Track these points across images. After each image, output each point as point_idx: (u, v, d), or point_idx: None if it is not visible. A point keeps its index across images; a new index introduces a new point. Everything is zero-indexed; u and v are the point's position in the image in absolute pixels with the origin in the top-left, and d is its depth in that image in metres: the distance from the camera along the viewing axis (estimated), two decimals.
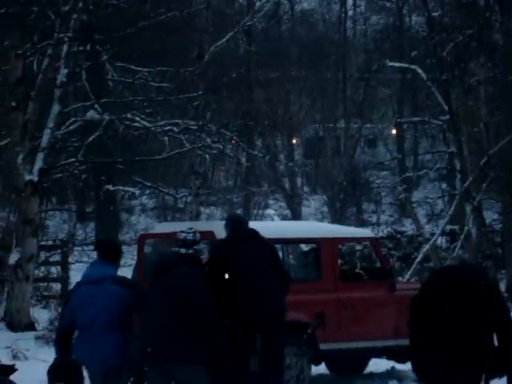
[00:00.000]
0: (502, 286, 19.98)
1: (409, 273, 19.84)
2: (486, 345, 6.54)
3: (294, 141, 34.77)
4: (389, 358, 11.09)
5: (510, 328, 6.54)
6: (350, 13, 35.93)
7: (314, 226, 12.60)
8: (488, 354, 6.52)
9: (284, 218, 28.17)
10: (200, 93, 19.88)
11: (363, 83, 33.65)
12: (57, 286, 17.45)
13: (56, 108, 15.29)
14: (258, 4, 26.43)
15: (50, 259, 18.07)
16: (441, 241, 22.79)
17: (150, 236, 11.63)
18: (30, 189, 14.93)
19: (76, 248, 21.27)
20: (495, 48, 21.17)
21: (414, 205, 25.96)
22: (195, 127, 18.68)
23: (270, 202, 32.00)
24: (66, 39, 15.28)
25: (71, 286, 17.01)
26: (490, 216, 23.69)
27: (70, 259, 18.00)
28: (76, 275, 17.97)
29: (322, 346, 10.16)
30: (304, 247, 13.07)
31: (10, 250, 15.16)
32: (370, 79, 32.93)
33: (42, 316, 15.27)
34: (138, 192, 23.60)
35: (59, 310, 15.31)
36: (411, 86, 30.22)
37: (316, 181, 34.68)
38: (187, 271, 7.53)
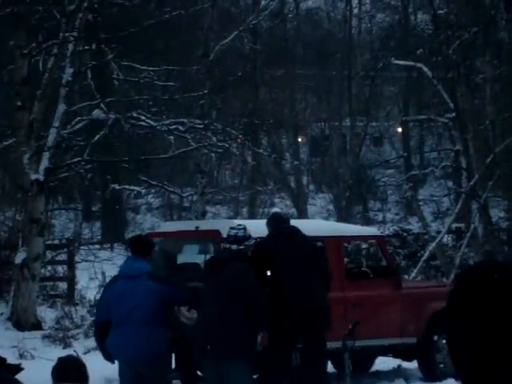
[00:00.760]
0: None
1: (415, 271, 19.82)
2: None
3: (300, 139, 34.75)
4: (395, 356, 11.09)
5: None
6: (356, 11, 35.88)
7: (319, 225, 12.60)
8: None
9: (290, 216, 28.13)
10: (205, 91, 19.88)
11: (369, 81, 33.59)
12: (63, 286, 17.46)
13: (62, 107, 15.29)
14: (263, 2, 26.39)
15: (56, 258, 18.09)
16: (447, 239, 22.74)
17: (155, 235, 11.64)
18: (36, 188, 14.94)
19: (82, 247, 21.28)
20: (501, 46, 21.14)
21: (420, 203, 25.93)
22: (201, 126, 18.67)
23: (276, 200, 31.98)
24: (72, 38, 15.28)
25: (78, 285, 17.05)
26: (496, 214, 23.64)
27: (76, 258, 18.02)
28: (82, 274, 18.03)
29: (328, 344, 10.17)
30: None
31: (17, 249, 15.18)
32: (375, 77, 32.87)
33: (49, 315, 15.29)
34: (143, 191, 23.64)
35: (65, 309, 15.33)
36: (417, 84, 30.16)
37: (322, 179, 34.65)
38: (241, 268, 7.65)
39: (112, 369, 10.46)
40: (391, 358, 11.20)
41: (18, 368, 7.10)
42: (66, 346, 13.02)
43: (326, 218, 28.68)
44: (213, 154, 21.00)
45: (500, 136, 20.61)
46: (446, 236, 21.81)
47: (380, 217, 31.05)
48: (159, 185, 20.82)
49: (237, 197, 30.15)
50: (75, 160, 16.32)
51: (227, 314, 7.46)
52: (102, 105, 15.84)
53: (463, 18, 21.50)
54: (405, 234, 24.21)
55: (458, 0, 21.48)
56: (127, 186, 21.37)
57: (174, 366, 10.60)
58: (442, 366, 10.92)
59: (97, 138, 16.01)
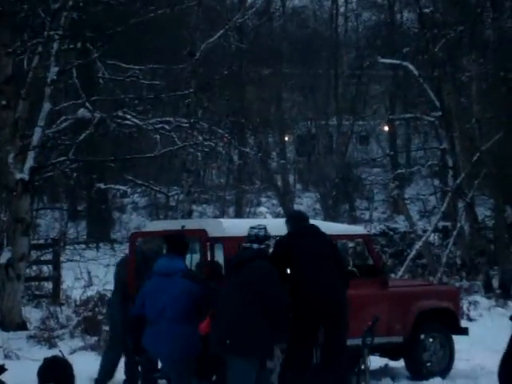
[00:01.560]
0: (495, 283, 19.98)
1: (402, 269, 19.82)
2: None
3: (286, 138, 34.74)
4: (382, 355, 11.07)
5: None
6: (342, 9, 35.91)
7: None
8: None
9: (276, 215, 28.12)
10: (191, 90, 19.81)
11: (355, 80, 33.61)
12: (48, 285, 17.36)
13: (47, 106, 15.20)
14: (249, 1, 26.39)
15: (42, 258, 17.99)
16: (433, 237, 22.78)
17: (141, 234, 11.58)
18: (21, 187, 14.85)
19: (68, 247, 21.20)
20: (487, 44, 21.15)
21: (407, 201, 25.95)
22: (187, 125, 18.61)
23: (263, 199, 31.96)
24: (57, 37, 15.18)
25: (63, 285, 16.96)
26: (482, 212, 23.69)
27: (61, 258, 17.93)
28: (68, 274, 17.95)
29: None
30: None
31: (1, 248, 15.08)
32: (361, 76, 32.91)
33: (34, 315, 15.19)
34: (129, 190, 23.55)
35: (51, 309, 15.25)
36: (403, 82, 30.17)
37: (308, 178, 34.64)
38: (263, 266, 7.76)
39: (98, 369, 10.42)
40: (378, 357, 11.17)
41: (1, 368, 7.02)
42: (52, 346, 12.94)
43: (313, 217, 28.65)
44: (199, 153, 20.94)
45: (486, 134, 20.63)
46: (432, 234, 21.83)
47: (366, 215, 31.07)
48: (145, 184, 20.75)
49: (223, 196, 30.10)
50: (60, 159, 16.22)
51: (248, 311, 7.58)
52: (87, 104, 15.75)
53: (449, 17, 21.52)
54: (391, 232, 24.23)
55: None
56: (113, 186, 21.30)
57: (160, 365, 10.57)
58: (428, 364, 10.91)
59: (82, 137, 15.92)
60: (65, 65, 15.88)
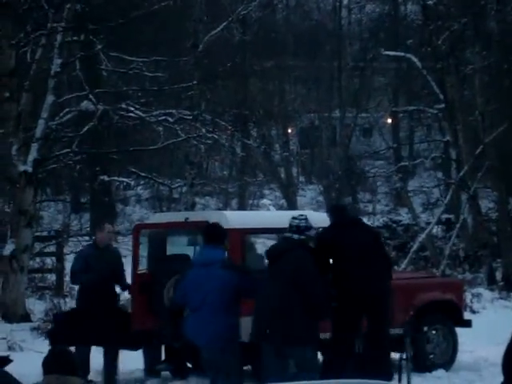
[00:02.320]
0: (498, 275, 19.98)
1: (405, 262, 19.83)
2: None
3: (290, 130, 34.69)
4: None
5: None
6: (345, 1, 35.79)
7: (309, 216, 12.55)
8: None
9: (280, 207, 28.12)
10: (195, 82, 19.80)
11: (358, 72, 33.54)
12: (52, 277, 17.39)
13: (50, 98, 15.21)
14: None
15: (45, 250, 18.02)
16: (436, 230, 22.77)
17: (145, 226, 11.59)
18: (25, 180, 14.87)
19: (71, 239, 21.19)
20: (490, 36, 21.10)
21: (410, 194, 25.93)
22: (190, 117, 18.60)
23: (266, 191, 31.94)
24: (60, 29, 15.18)
25: (66, 277, 16.98)
26: (485, 205, 23.66)
27: (64, 250, 17.95)
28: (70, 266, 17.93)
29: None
30: None
31: (5, 240, 15.10)
32: (365, 68, 32.84)
33: (38, 307, 15.23)
34: (132, 182, 23.55)
35: (54, 301, 15.28)
36: (406, 74, 30.12)
37: (311, 170, 34.60)
38: (300, 256, 7.88)
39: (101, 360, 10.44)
40: None
41: (6, 360, 7.03)
42: None
43: (316, 210, 28.65)
44: (202, 146, 20.93)
45: (489, 127, 20.60)
46: (435, 227, 21.82)
47: (370, 208, 31.03)
48: (148, 176, 20.75)
49: (226, 188, 30.08)
50: (64, 151, 16.24)
51: (287, 300, 7.67)
52: (90, 96, 15.76)
53: (453, 9, 21.47)
54: (394, 225, 24.23)
55: None
56: (116, 178, 21.30)
57: (163, 357, 10.61)
58: (432, 356, 10.92)
59: (85, 129, 15.93)
60: (68, 57, 15.90)
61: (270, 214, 13.63)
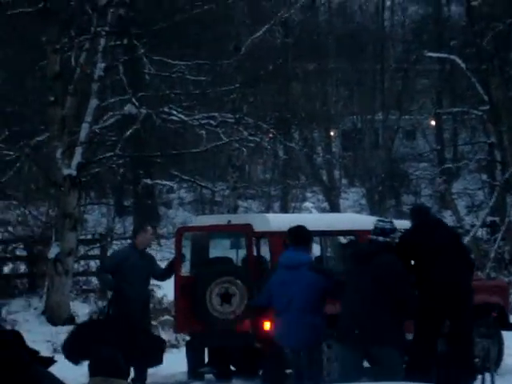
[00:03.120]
0: None
1: None
2: None
3: (332, 133, 34.60)
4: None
5: None
6: (388, 3, 35.66)
7: (352, 219, 12.50)
8: None
9: (322, 210, 28.04)
10: (237, 85, 19.81)
11: (401, 74, 33.36)
12: (96, 280, 17.47)
13: (94, 102, 15.31)
14: None
15: (89, 253, 18.12)
16: (481, 232, 22.53)
17: (188, 229, 11.61)
18: (69, 183, 14.97)
19: (115, 242, 21.31)
20: None
21: (454, 196, 25.71)
22: (232, 120, 18.61)
23: (308, 194, 31.87)
24: (103, 33, 15.28)
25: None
26: None
27: (108, 253, 18.04)
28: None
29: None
30: (342, 239, 12.99)
31: (50, 244, 15.22)
32: (408, 70, 32.64)
33: (82, 310, 15.32)
34: (175, 186, 23.65)
35: (99, 303, 15.35)
36: (450, 76, 29.90)
37: (354, 173, 34.46)
38: (389, 259, 7.94)
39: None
40: None
41: (50, 360, 7.05)
42: None
43: (359, 212, 28.53)
44: (244, 149, 20.95)
45: None
46: (480, 229, 21.59)
47: None
48: (191, 179, 20.82)
49: (268, 191, 30.08)
50: (107, 155, 16.33)
51: (376, 302, 7.76)
52: (133, 99, 15.83)
53: (497, 9, 21.25)
54: None
55: None
56: (159, 181, 21.41)
57: (206, 360, 10.60)
58: (477, 360, 10.77)
59: (129, 132, 16.00)
60: (111, 61, 15.99)
61: (312, 217, 13.60)
